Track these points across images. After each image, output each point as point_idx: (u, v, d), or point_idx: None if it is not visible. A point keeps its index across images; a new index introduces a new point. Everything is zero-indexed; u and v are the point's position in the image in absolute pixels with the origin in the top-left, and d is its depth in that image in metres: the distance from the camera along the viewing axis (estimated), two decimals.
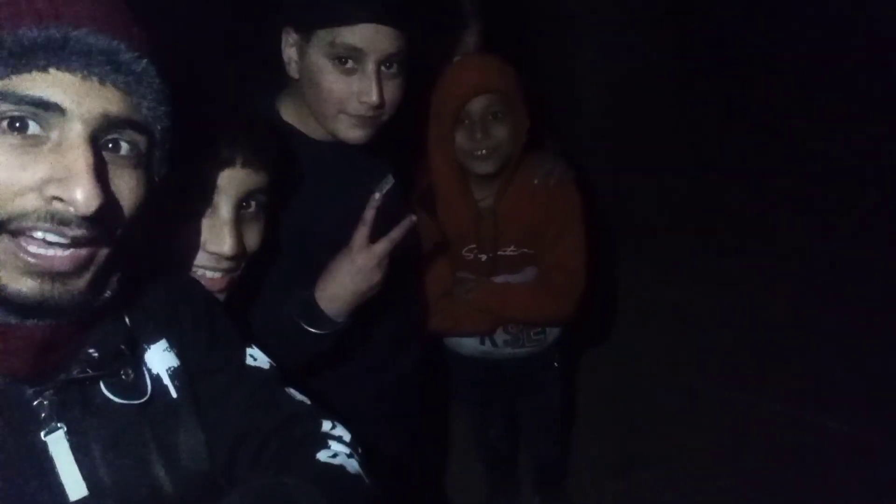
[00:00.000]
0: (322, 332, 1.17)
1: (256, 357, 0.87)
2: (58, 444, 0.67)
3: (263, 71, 1.24)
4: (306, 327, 1.16)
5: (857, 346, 2.64)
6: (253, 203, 1.00)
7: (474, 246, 1.66)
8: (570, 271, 1.64)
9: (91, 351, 0.70)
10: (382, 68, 1.14)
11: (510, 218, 1.63)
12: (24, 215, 0.61)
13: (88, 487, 0.67)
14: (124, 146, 0.66)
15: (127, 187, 0.66)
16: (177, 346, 0.79)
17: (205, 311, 0.85)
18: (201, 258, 0.96)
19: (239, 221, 0.97)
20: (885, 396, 2.37)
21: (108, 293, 0.69)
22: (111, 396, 0.71)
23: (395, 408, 1.46)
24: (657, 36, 3.29)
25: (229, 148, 0.94)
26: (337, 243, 1.20)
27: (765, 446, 2.31)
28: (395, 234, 1.18)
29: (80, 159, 0.61)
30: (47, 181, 0.61)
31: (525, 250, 1.66)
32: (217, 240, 0.95)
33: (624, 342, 2.82)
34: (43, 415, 0.66)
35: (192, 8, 1.47)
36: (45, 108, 0.61)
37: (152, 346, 0.77)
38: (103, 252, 0.66)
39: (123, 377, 0.73)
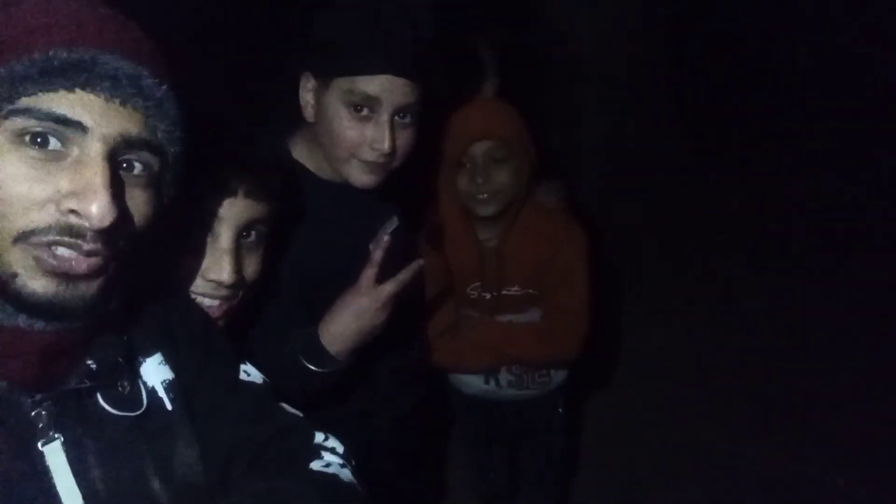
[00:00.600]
0: (323, 371, 1.17)
1: (250, 373, 0.89)
2: (55, 455, 0.68)
3: (277, 111, 1.28)
4: (307, 365, 1.16)
5: (866, 397, 2.62)
6: (253, 233, 1.02)
7: (478, 284, 1.68)
8: (573, 312, 1.65)
9: (90, 363, 0.71)
10: (396, 118, 1.17)
11: (514, 258, 1.65)
12: (42, 229, 0.64)
13: (84, 497, 0.68)
14: (138, 166, 0.69)
15: (138, 205, 0.69)
16: (172, 360, 0.81)
17: (200, 326, 0.87)
18: (200, 285, 0.97)
19: (239, 250, 0.99)
20: (892, 450, 2.34)
21: (113, 304, 0.72)
22: (108, 408, 0.73)
23: (396, 444, 1.46)
24: (660, 86, 3.37)
25: (232, 177, 0.96)
26: (339, 282, 1.21)
27: (769, 498, 2.27)
28: (403, 276, 1.19)
29: (97, 176, 0.64)
30: (65, 195, 0.64)
31: (529, 290, 1.67)
32: (216, 268, 0.97)
33: (626, 389, 2.80)
34: (41, 425, 0.67)
35: (214, 45, 1.52)
36: (68, 126, 0.64)
37: (148, 360, 0.79)
38: (115, 262, 0.68)
39: (120, 389, 0.74)
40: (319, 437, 0.85)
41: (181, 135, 0.72)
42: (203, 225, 0.96)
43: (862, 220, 3.68)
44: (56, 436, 0.68)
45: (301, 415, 0.88)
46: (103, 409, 0.72)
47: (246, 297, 1.04)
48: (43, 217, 0.64)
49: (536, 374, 1.74)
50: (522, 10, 2.05)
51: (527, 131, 1.60)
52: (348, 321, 1.17)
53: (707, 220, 3.73)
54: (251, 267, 1.02)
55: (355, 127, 1.16)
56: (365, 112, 1.15)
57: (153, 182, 0.71)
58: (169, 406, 0.78)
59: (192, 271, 0.96)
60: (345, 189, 1.24)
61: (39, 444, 0.67)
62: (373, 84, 1.13)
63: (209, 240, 0.97)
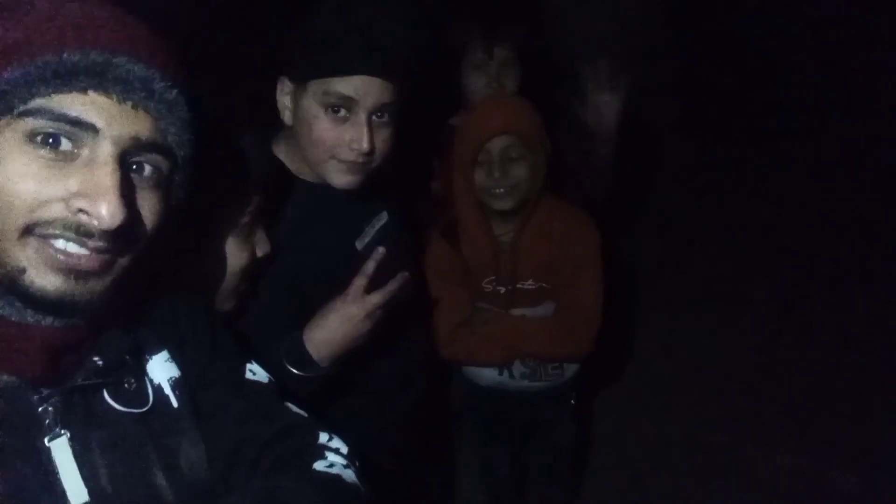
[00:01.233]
0: (306, 375, 1.17)
1: (256, 372, 0.89)
2: (61, 450, 0.68)
3: (259, 116, 1.28)
4: (290, 368, 1.16)
5: (872, 396, 2.60)
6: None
7: (493, 278, 1.69)
8: (585, 309, 1.66)
9: (96, 359, 0.72)
10: (374, 117, 1.18)
11: (529, 252, 1.66)
12: (49, 222, 0.64)
13: (90, 493, 0.69)
14: (148, 168, 0.70)
15: (147, 206, 0.70)
16: (178, 358, 0.82)
17: (207, 324, 0.87)
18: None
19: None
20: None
21: (121, 302, 0.73)
22: (114, 404, 0.73)
23: (401, 443, 1.47)
24: (665, 81, 3.35)
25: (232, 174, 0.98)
26: (325, 282, 1.22)
27: (772, 500, 2.26)
28: (391, 287, 1.20)
29: (108, 177, 0.65)
30: (75, 194, 0.65)
31: (543, 284, 1.69)
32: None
33: (631, 389, 2.80)
34: (47, 421, 0.68)
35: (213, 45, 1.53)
36: (80, 127, 0.65)
37: (154, 357, 0.80)
38: (123, 261, 0.69)
39: (126, 386, 0.75)
40: (324, 437, 0.86)
41: (191, 138, 0.73)
42: (209, 224, 0.98)
43: (871, 215, 3.64)
44: (62, 432, 0.69)
45: (306, 415, 0.88)
46: (109, 405, 0.73)
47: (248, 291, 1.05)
48: (50, 212, 0.64)
49: (550, 366, 1.75)
50: (527, 5, 2.05)
51: (543, 127, 1.62)
52: (334, 328, 1.18)
53: (714, 218, 3.72)
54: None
55: (333, 128, 1.17)
56: (342, 113, 1.16)
57: (163, 184, 0.72)
58: (175, 403, 0.79)
59: (202, 270, 0.98)
60: (327, 190, 1.24)
61: (46, 440, 0.68)
62: (349, 84, 1.14)
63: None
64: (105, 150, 0.66)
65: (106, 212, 0.64)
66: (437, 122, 1.86)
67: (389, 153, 1.23)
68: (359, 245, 1.34)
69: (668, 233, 3.49)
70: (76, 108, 0.65)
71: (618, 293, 1.76)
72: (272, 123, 1.29)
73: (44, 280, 0.65)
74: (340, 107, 1.16)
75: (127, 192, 0.67)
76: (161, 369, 0.79)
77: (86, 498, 0.69)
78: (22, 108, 0.64)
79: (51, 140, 0.65)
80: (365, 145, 1.16)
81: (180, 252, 0.89)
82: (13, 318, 0.67)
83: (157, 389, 0.78)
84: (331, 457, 0.83)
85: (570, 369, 1.79)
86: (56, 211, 0.65)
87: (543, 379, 1.76)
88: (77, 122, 0.65)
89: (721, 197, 3.91)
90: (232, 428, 0.82)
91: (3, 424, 0.67)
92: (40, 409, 0.69)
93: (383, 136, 1.20)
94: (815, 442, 2.43)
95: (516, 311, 1.71)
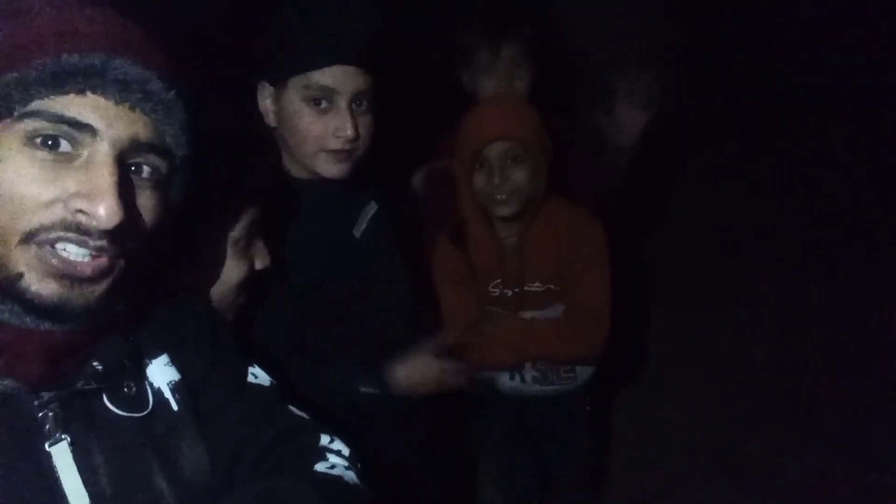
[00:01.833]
0: (375, 393, 1.30)
1: (258, 375, 0.89)
2: (62, 455, 0.68)
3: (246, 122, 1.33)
4: (362, 389, 1.29)
5: None
6: None
7: (500, 282, 1.67)
8: (594, 310, 1.63)
9: (96, 364, 0.72)
10: (354, 106, 1.23)
11: (534, 254, 1.64)
12: (49, 227, 0.65)
13: (91, 498, 0.69)
14: (146, 169, 0.71)
15: (146, 207, 0.71)
16: (178, 361, 0.82)
17: (208, 327, 0.87)
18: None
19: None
20: None
21: (119, 306, 0.73)
22: (114, 409, 0.74)
23: (418, 453, 1.48)
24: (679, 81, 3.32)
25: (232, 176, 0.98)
26: (324, 275, 1.27)
27: (803, 498, 2.22)
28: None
29: (105, 177, 0.66)
30: (73, 195, 0.65)
31: (551, 286, 1.66)
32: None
33: (656, 390, 2.75)
34: (48, 426, 0.68)
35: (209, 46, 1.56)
36: (78, 128, 0.66)
37: (154, 361, 0.80)
38: (121, 263, 0.69)
39: (126, 390, 0.75)
40: (325, 439, 0.85)
41: (189, 139, 0.74)
42: (209, 227, 0.98)
43: (886, 212, 3.58)
44: (63, 437, 0.69)
45: (307, 417, 0.88)
46: (109, 409, 0.73)
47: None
48: (50, 215, 0.65)
49: (562, 369, 1.72)
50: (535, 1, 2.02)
51: (544, 128, 1.58)
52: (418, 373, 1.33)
53: (731, 216, 3.67)
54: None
55: (317, 120, 1.22)
56: (324, 104, 1.21)
57: (161, 185, 0.73)
58: (175, 407, 0.79)
59: (202, 273, 0.98)
60: (318, 184, 1.28)
61: (46, 445, 0.68)
62: (326, 76, 1.19)
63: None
64: (103, 151, 0.67)
65: (104, 211, 0.65)
66: (441, 120, 1.83)
67: (372, 140, 1.27)
68: (356, 233, 1.38)
69: (681, 230, 3.44)
70: (74, 110, 0.65)
71: (632, 293, 1.73)
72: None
73: (40, 285, 0.66)
74: (321, 99, 1.21)
75: (125, 193, 0.68)
76: (161, 373, 0.80)
77: (87, 502, 0.69)
78: (21, 110, 0.65)
79: (50, 142, 0.65)
80: (350, 132, 1.21)
81: (179, 256, 0.89)
82: (13, 323, 0.67)
83: (157, 393, 0.78)
84: (332, 458, 0.83)
85: (584, 373, 1.75)
86: (56, 213, 0.65)
87: (556, 383, 1.73)
88: (75, 124, 0.65)
89: (736, 192, 3.86)
90: (232, 430, 0.82)
91: (3, 429, 0.67)
92: (41, 414, 0.69)
93: (365, 124, 1.25)
94: (852, 444, 2.38)
95: (525, 314, 1.68)
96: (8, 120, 0.65)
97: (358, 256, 1.35)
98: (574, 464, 1.92)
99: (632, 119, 1.73)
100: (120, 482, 0.71)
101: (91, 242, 0.66)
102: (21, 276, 0.65)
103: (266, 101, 1.26)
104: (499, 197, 1.56)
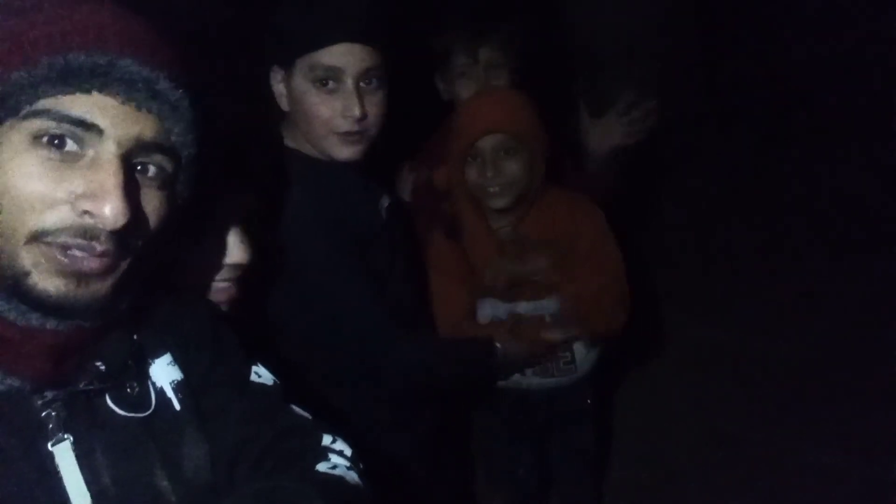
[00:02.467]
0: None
1: (261, 374, 0.89)
2: (64, 455, 0.69)
3: (263, 108, 1.34)
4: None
5: None
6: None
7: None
8: (611, 284, 1.61)
9: (98, 364, 0.73)
10: (362, 84, 1.23)
11: (533, 239, 1.63)
12: (55, 230, 0.65)
13: (93, 498, 0.69)
14: (152, 169, 0.71)
15: (152, 206, 0.71)
16: (181, 360, 0.82)
17: (210, 326, 0.87)
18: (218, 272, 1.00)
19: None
20: None
21: (124, 304, 0.73)
22: (116, 409, 0.74)
23: (423, 451, 1.49)
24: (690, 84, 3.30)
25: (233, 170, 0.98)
26: (371, 242, 1.30)
27: (811, 501, 2.20)
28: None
29: (111, 177, 0.65)
30: (80, 196, 0.65)
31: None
32: (231, 252, 1.00)
33: (658, 384, 2.75)
34: (50, 425, 0.69)
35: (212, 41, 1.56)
36: (85, 128, 0.65)
37: (157, 360, 0.80)
38: (126, 262, 0.69)
39: (128, 390, 0.75)
40: (327, 439, 0.85)
41: (196, 138, 0.73)
42: (212, 221, 0.98)
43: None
44: (65, 436, 0.69)
45: (310, 417, 0.88)
46: (112, 409, 0.73)
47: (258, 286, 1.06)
48: (57, 217, 0.65)
49: (561, 361, 1.70)
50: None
51: (537, 119, 1.57)
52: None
53: (733, 211, 3.65)
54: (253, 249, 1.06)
55: (325, 101, 1.22)
56: (331, 85, 1.21)
57: (167, 184, 0.73)
58: (177, 406, 0.79)
59: (205, 269, 0.98)
60: (337, 166, 1.29)
61: (49, 445, 0.68)
62: (331, 55, 1.19)
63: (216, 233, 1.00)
64: (109, 151, 0.66)
65: (110, 212, 0.65)
66: (436, 115, 1.82)
67: (384, 119, 1.27)
68: (383, 214, 1.40)
69: (682, 226, 3.43)
70: (81, 109, 0.65)
71: (633, 288, 1.71)
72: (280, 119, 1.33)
73: (47, 283, 0.66)
74: (328, 79, 1.21)
75: (131, 193, 0.67)
76: (163, 373, 0.80)
77: (89, 501, 0.69)
78: (27, 109, 0.65)
79: (56, 141, 0.65)
80: (357, 111, 1.21)
81: (181, 250, 0.89)
82: (18, 322, 0.67)
83: (160, 393, 0.78)
84: (334, 458, 0.83)
85: (584, 365, 1.73)
86: (63, 215, 0.65)
87: (556, 374, 1.71)
88: (81, 123, 0.65)
89: (745, 183, 3.83)
90: (234, 429, 0.82)
91: (6, 428, 0.67)
92: (43, 413, 0.69)
93: (374, 102, 1.25)
94: (858, 439, 2.36)
95: (520, 305, 1.66)
96: (14, 119, 0.65)
97: (385, 236, 1.37)
98: (575, 458, 1.92)
99: (609, 138, 1.72)
100: (122, 482, 0.71)
101: (98, 247, 0.66)
102: (28, 274, 0.65)
103: (278, 85, 1.27)
104: (492, 189, 1.55)
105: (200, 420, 0.80)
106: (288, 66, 1.23)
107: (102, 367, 0.72)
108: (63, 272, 0.65)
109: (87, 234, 0.65)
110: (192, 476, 0.77)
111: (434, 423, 1.51)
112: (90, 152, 0.66)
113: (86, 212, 0.65)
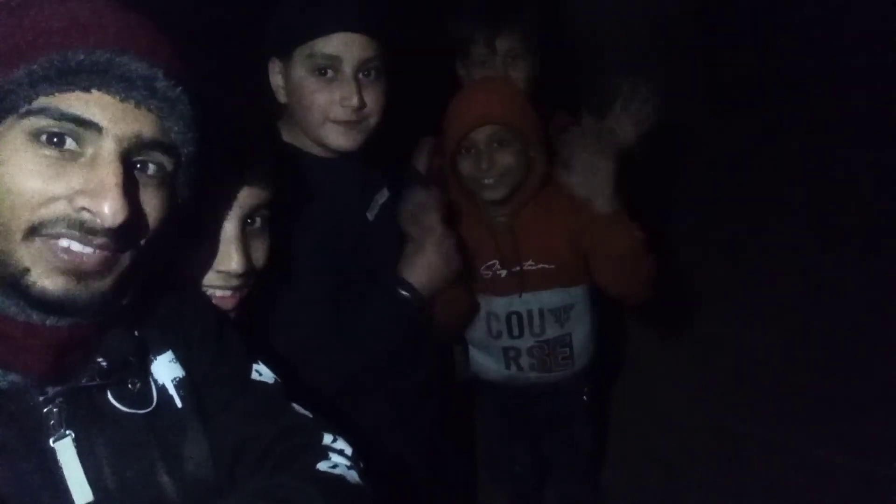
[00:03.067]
0: (409, 297, 1.32)
1: (262, 372, 0.89)
2: (66, 451, 0.69)
3: (258, 101, 1.33)
4: (400, 291, 1.31)
5: None
6: (258, 219, 1.02)
7: (494, 262, 1.64)
8: (634, 235, 1.56)
9: (100, 360, 0.73)
10: (361, 75, 1.23)
11: (528, 231, 1.61)
12: (53, 221, 0.65)
13: (94, 493, 0.69)
14: (152, 167, 0.71)
15: (151, 204, 0.71)
16: (183, 358, 0.82)
17: (212, 324, 0.88)
18: (211, 277, 0.98)
19: (245, 238, 0.99)
20: None
21: (125, 301, 0.73)
22: (118, 405, 0.74)
23: (414, 422, 1.48)
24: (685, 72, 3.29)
25: (235, 167, 0.96)
26: (342, 252, 1.28)
27: (809, 496, 2.20)
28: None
29: (110, 175, 0.66)
30: (78, 192, 0.65)
31: (544, 266, 1.63)
32: (226, 258, 0.97)
33: (656, 380, 2.75)
34: (52, 421, 0.69)
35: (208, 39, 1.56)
36: (83, 126, 0.65)
37: (159, 357, 0.80)
38: (126, 259, 0.70)
39: (130, 387, 0.76)
40: (328, 438, 0.85)
41: (195, 136, 0.73)
42: (207, 217, 0.96)
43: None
44: (67, 432, 0.69)
45: (311, 415, 0.88)
46: (113, 406, 0.74)
47: (255, 285, 1.04)
48: (52, 211, 0.65)
49: (560, 356, 1.70)
50: None
51: (531, 110, 1.56)
52: (429, 254, 1.36)
53: (733, 209, 3.65)
54: (258, 252, 1.03)
55: (323, 89, 1.22)
56: (329, 74, 1.21)
57: (167, 182, 0.73)
58: (179, 403, 0.79)
59: (205, 267, 0.97)
60: (335, 162, 1.29)
61: (51, 441, 0.68)
62: (330, 44, 1.19)
63: (214, 231, 0.97)
64: (108, 149, 0.66)
65: (108, 210, 0.65)
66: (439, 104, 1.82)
67: (382, 111, 1.27)
68: (370, 216, 1.38)
69: (681, 223, 3.42)
70: (79, 107, 0.65)
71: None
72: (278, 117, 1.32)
73: (46, 280, 0.66)
74: (326, 68, 1.21)
75: (130, 190, 0.68)
76: (165, 370, 0.80)
77: (90, 498, 0.69)
78: (26, 107, 0.65)
79: (55, 139, 0.66)
80: (354, 101, 1.21)
81: (182, 248, 0.88)
82: (19, 318, 0.68)
83: (161, 390, 0.79)
84: (334, 457, 0.83)
85: (581, 360, 1.73)
86: (60, 209, 0.65)
87: (553, 370, 1.71)
88: (80, 121, 0.65)
89: (746, 179, 3.83)
90: (236, 427, 0.82)
91: (8, 424, 0.67)
92: (45, 409, 0.69)
93: (373, 93, 1.25)
94: (857, 436, 2.35)
95: (527, 296, 1.64)
96: (13, 117, 0.65)
97: (370, 239, 1.36)
98: (572, 454, 1.92)
99: (621, 128, 1.68)
100: (123, 478, 0.72)
101: (95, 241, 0.66)
102: (27, 270, 0.65)
103: (276, 76, 1.28)
104: (486, 181, 1.54)
105: (202, 418, 0.80)
106: (286, 56, 1.23)
107: (104, 364, 0.73)
108: (62, 270, 0.66)
109: (85, 228, 0.65)
110: (193, 473, 0.77)
111: (435, 421, 1.51)
112: (89, 150, 0.66)
113: (84, 208, 0.65)
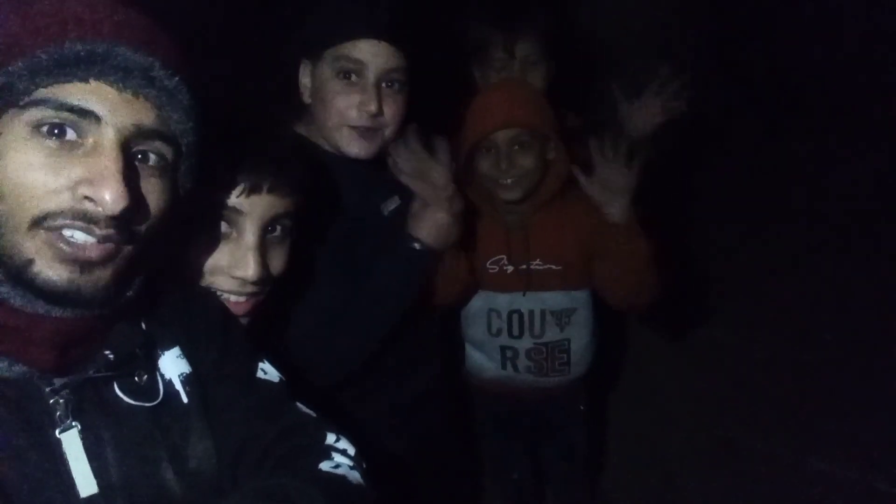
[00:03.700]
0: (421, 250, 1.32)
1: (267, 371, 0.89)
2: (71, 442, 0.69)
3: (279, 100, 1.36)
4: (413, 244, 1.31)
5: None
6: (278, 227, 1.01)
7: (502, 257, 1.65)
8: (644, 248, 1.57)
9: (107, 353, 0.73)
10: (384, 85, 1.25)
11: (540, 230, 1.62)
12: (57, 213, 0.65)
13: (99, 485, 0.70)
14: (152, 157, 0.71)
15: (153, 194, 0.71)
16: (190, 354, 0.82)
17: (219, 321, 0.88)
18: (226, 282, 0.97)
19: (264, 246, 0.98)
20: None
21: (129, 293, 0.73)
22: (124, 397, 0.74)
23: (414, 426, 1.48)
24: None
25: (256, 174, 0.95)
26: (356, 246, 1.29)
27: (801, 496, 2.21)
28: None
29: (111, 163, 0.66)
30: (80, 182, 0.66)
31: (551, 266, 1.64)
32: (242, 264, 0.96)
33: (656, 385, 2.75)
34: (58, 413, 0.69)
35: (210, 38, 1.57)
36: (83, 116, 0.66)
37: (166, 353, 0.80)
38: (128, 249, 0.70)
39: (137, 380, 0.76)
40: (331, 437, 0.85)
41: (194, 125, 0.74)
42: (228, 222, 0.96)
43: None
44: (73, 424, 0.69)
45: (314, 415, 0.88)
46: (120, 398, 0.74)
47: (271, 291, 1.04)
48: (56, 202, 0.66)
49: (557, 361, 1.70)
50: None
51: (550, 113, 1.57)
52: (433, 213, 1.34)
53: (733, 212, 3.65)
54: (276, 262, 1.02)
55: (344, 91, 1.24)
56: (353, 78, 1.24)
57: (168, 172, 0.73)
58: (185, 399, 0.79)
59: (214, 266, 0.97)
60: (349, 161, 1.30)
61: (57, 432, 0.69)
62: (357, 48, 1.22)
63: (233, 236, 0.97)
64: (108, 138, 0.67)
65: (109, 197, 0.65)
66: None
67: (399, 122, 1.29)
68: (384, 210, 1.40)
69: (681, 226, 3.42)
70: (78, 98, 0.66)
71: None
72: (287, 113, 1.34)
73: (50, 271, 0.66)
74: (351, 72, 1.24)
75: (132, 179, 0.68)
76: (172, 365, 0.80)
77: (95, 489, 0.69)
78: (26, 99, 0.65)
79: (56, 130, 0.66)
80: (373, 107, 1.23)
81: (192, 245, 0.89)
82: (25, 309, 0.68)
83: (168, 384, 0.79)
84: (337, 457, 0.83)
85: (578, 367, 1.73)
86: (63, 200, 0.66)
87: (550, 374, 1.71)
88: (80, 111, 0.66)
89: (747, 183, 3.84)
90: (239, 425, 0.82)
91: (14, 415, 0.68)
92: (52, 400, 0.69)
93: (392, 105, 1.27)
94: (857, 447, 2.36)
95: (530, 295, 1.65)
96: (13, 109, 0.65)
97: (384, 233, 1.36)
98: (568, 460, 1.92)
99: (651, 116, 1.72)
100: (128, 470, 0.72)
101: (98, 231, 0.66)
102: (31, 262, 0.66)
103: (305, 77, 1.30)
104: (505, 182, 1.55)
105: (207, 413, 0.81)
106: (317, 57, 1.26)
107: (111, 356, 0.73)
108: (65, 260, 0.66)
109: (87, 218, 0.66)
110: (197, 468, 0.78)
111: (437, 423, 1.51)
112: (89, 140, 0.67)
113: (86, 197, 0.66)
